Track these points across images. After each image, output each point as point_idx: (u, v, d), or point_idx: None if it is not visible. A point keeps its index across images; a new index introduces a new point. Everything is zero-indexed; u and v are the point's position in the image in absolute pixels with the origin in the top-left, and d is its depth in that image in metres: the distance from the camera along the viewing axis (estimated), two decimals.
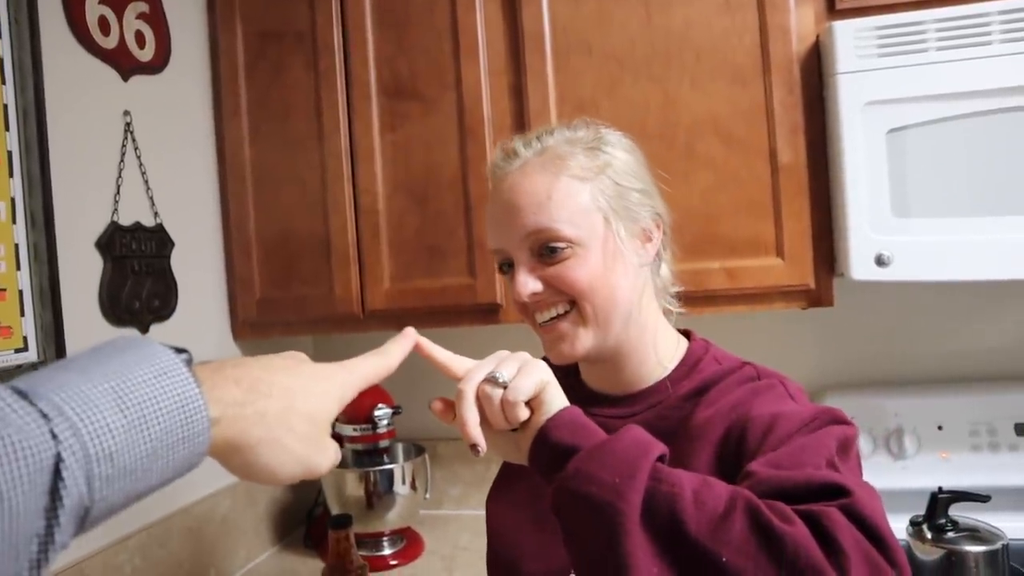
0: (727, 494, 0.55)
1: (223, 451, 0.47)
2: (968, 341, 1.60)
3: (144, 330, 1.40)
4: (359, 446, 1.63)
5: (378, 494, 1.58)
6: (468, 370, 0.65)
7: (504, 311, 1.47)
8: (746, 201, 1.35)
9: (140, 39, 1.43)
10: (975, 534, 1.17)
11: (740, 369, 0.80)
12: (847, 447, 0.67)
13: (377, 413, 1.60)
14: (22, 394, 0.37)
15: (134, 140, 1.40)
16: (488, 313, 1.48)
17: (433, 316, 1.50)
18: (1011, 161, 1.20)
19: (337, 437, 1.61)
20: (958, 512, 1.20)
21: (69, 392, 0.38)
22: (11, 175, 1.15)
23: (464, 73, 1.47)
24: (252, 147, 1.61)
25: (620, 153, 0.81)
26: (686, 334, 0.88)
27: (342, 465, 1.62)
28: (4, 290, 1.13)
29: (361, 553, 1.44)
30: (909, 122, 1.24)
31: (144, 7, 1.44)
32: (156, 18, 1.48)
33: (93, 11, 1.32)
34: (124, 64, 1.39)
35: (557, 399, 0.65)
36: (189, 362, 0.44)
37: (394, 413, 1.62)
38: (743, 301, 1.37)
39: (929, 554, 1.17)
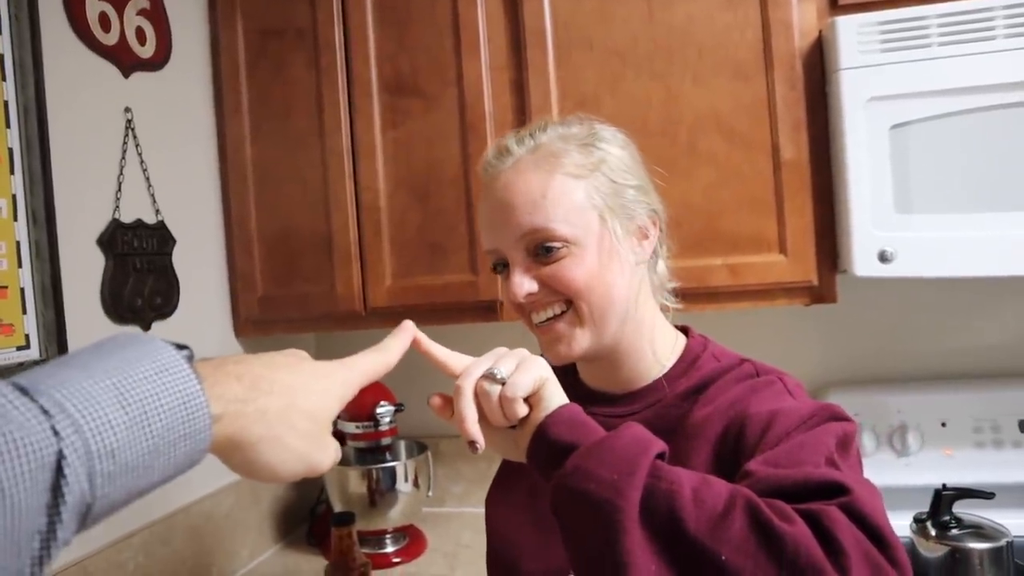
0: (727, 492, 0.55)
1: (224, 448, 0.47)
2: (972, 337, 1.59)
3: (146, 327, 1.40)
4: (361, 444, 1.63)
5: (380, 492, 1.58)
6: (466, 366, 0.65)
7: (506, 308, 1.46)
8: (748, 197, 1.34)
9: (141, 36, 1.43)
10: (979, 531, 1.17)
11: (739, 366, 0.80)
12: (847, 444, 0.66)
13: (379, 410, 1.60)
14: (23, 390, 0.37)
15: (135, 137, 1.40)
16: (490, 310, 1.48)
17: (435, 313, 1.50)
18: (1015, 157, 1.19)
19: (339, 435, 1.61)
20: (962, 509, 1.20)
21: (71, 389, 0.38)
22: (12, 172, 1.15)
23: (465, 69, 1.47)
24: (253, 144, 1.61)
25: (615, 149, 0.80)
26: (684, 330, 0.87)
27: (344, 463, 1.62)
28: (6, 288, 1.13)
29: (364, 551, 1.45)
30: (912, 118, 1.23)
31: (145, 3, 1.44)
32: (157, 15, 1.47)
33: (94, 7, 1.32)
34: (125, 61, 1.39)
35: (556, 396, 0.64)
36: (190, 359, 0.44)
37: (396, 410, 1.62)
38: (746, 298, 1.37)
39: (933, 551, 1.17)
